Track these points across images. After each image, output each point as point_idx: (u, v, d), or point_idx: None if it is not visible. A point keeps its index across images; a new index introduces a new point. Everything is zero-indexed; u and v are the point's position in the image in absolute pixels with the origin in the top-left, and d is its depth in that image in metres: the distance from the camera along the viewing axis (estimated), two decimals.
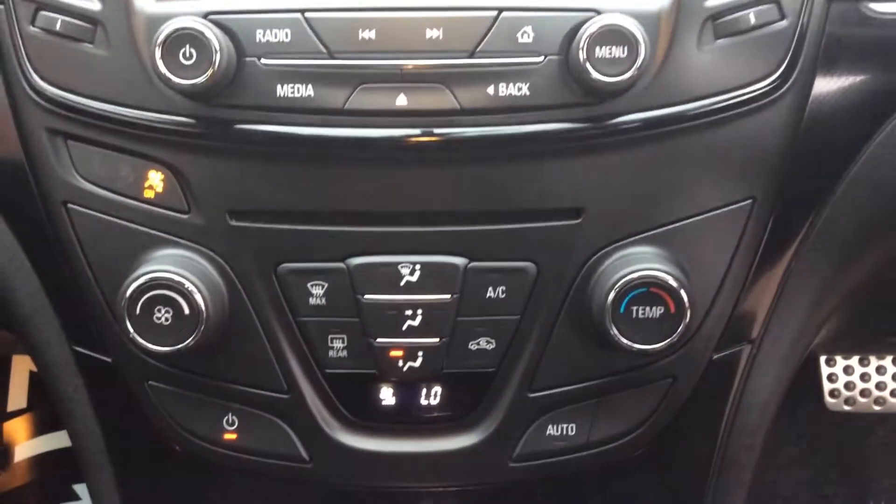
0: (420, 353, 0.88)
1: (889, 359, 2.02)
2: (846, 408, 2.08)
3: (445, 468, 0.92)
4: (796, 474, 2.17)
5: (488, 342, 0.88)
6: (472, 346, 0.88)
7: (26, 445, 1.95)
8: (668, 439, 0.93)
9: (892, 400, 2.09)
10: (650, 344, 0.84)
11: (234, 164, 0.85)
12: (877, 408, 2.06)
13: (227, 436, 0.91)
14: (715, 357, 0.92)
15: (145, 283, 0.83)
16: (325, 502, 1.01)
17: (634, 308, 0.84)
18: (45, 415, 1.98)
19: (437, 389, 0.90)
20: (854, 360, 2.02)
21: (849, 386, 2.04)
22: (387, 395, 0.91)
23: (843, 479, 2.15)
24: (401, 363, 0.88)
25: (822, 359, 2.00)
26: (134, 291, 0.83)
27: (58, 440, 1.95)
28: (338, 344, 0.88)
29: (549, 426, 0.91)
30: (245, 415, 0.91)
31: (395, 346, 0.88)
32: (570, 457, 0.91)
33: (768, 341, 0.94)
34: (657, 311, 0.84)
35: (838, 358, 2.00)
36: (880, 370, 2.03)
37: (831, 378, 2.03)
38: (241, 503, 1.01)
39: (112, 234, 0.87)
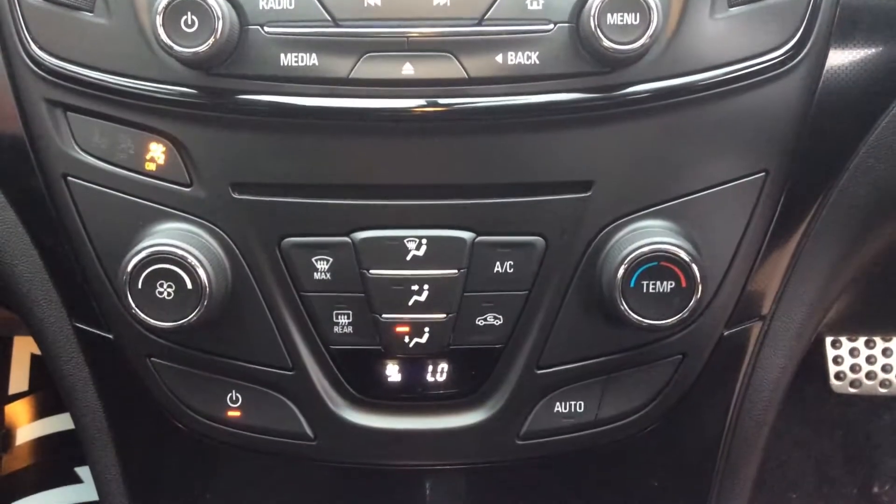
0: (426, 329, 0.86)
1: (895, 341, 2.01)
2: (852, 390, 2.07)
3: (452, 446, 0.91)
4: (802, 457, 2.16)
5: (496, 318, 0.86)
6: (480, 321, 0.86)
7: (28, 428, 1.94)
8: (677, 417, 0.92)
9: None
10: (661, 319, 0.82)
11: (237, 136, 0.83)
12: (882, 390, 2.05)
13: (231, 413, 0.90)
14: (726, 333, 0.91)
15: (147, 256, 0.82)
16: (329, 480, 0.99)
17: (645, 283, 0.82)
18: (46, 397, 1.97)
19: (444, 366, 0.89)
20: (860, 343, 2.01)
21: (854, 368, 2.03)
22: (392, 372, 0.89)
23: (848, 461, 2.15)
24: (407, 339, 0.87)
25: (828, 341, 1.99)
26: (135, 266, 0.82)
27: (59, 423, 1.94)
28: (343, 320, 0.86)
29: (557, 403, 0.89)
30: (249, 391, 0.89)
31: (401, 322, 0.86)
32: (579, 434, 0.90)
33: (780, 318, 0.92)
34: (668, 286, 0.82)
35: (844, 340, 1.99)
36: (886, 352, 2.01)
37: (837, 360, 2.02)
38: (245, 482, 1.00)
39: (113, 207, 0.86)
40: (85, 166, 0.86)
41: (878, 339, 1.98)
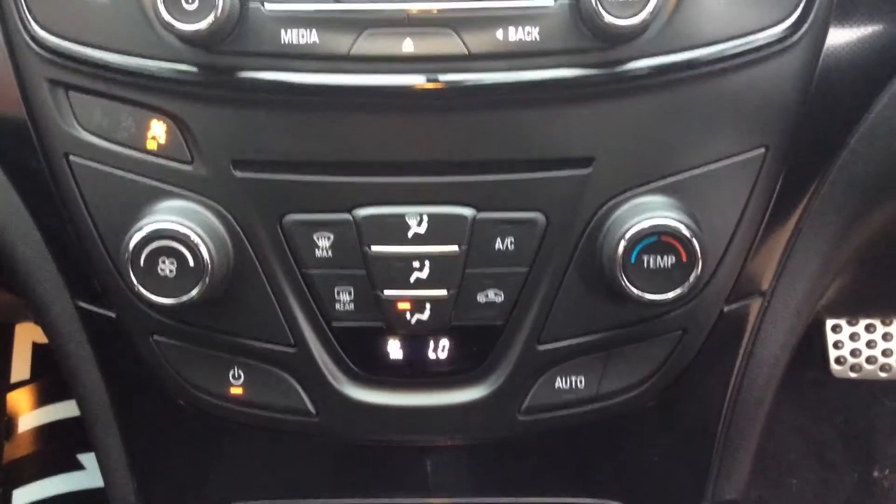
0: (428, 306, 0.87)
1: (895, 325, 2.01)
2: (852, 375, 2.07)
3: (453, 422, 0.91)
4: (802, 442, 2.17)
5: (496, 294, 0.87)
6: (481, 298, 0.87)
7: (30, 416, 1.95)
8: (678, 392, 0.92)
9: None
10: (661, 293, 0.82)
11: (238, 114, 0.84)
12: (883, 375, 2.05)
13: (234, 390, 0.90)
14: (726, 309, 0.91)
15: (149, 234, 0.82)
16: (332, 458, 1.00)
17: (645, 258, 0.82)
18: (48, 386, 1.98)
19: (445, 342, 0.89)
20: (860, 328, 2.01)
21: (855, 353, 2.03)
22: (394, 349, 0.89)
23: (848, 446, 2.15)
24: (408, 316, 0.87)
25: (829, 326, 1.99)
26: (137, 243, 0.82)
27: (62, 411, 1.95)
28: (344, 297, 0.87)
29: (558, 379, 0.89)
30: (251, 368, 0.89)
31: (402, 299, 0.87)
32: (579, 410, 0.90)
33: (780, 294, 0.93)
34: (669, 261, 0.82)
35: (844, 325, 1.99)
36: (886, 337, 2.02)
37: (837, 345, 2.02)
38: (248, 460, 1.00)
39: (114, 185, 0.86)
40: (86, 145, 0.86)
41: (878, 324, 1.99)
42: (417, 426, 0.92)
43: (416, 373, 0.90)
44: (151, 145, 0.85)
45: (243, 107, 0.83)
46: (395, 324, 0.87)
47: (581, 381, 0.90)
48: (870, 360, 2.03)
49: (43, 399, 1.95)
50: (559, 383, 0.90)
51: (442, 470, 1.00)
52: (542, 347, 0.88)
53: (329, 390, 0.89)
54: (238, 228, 0.85)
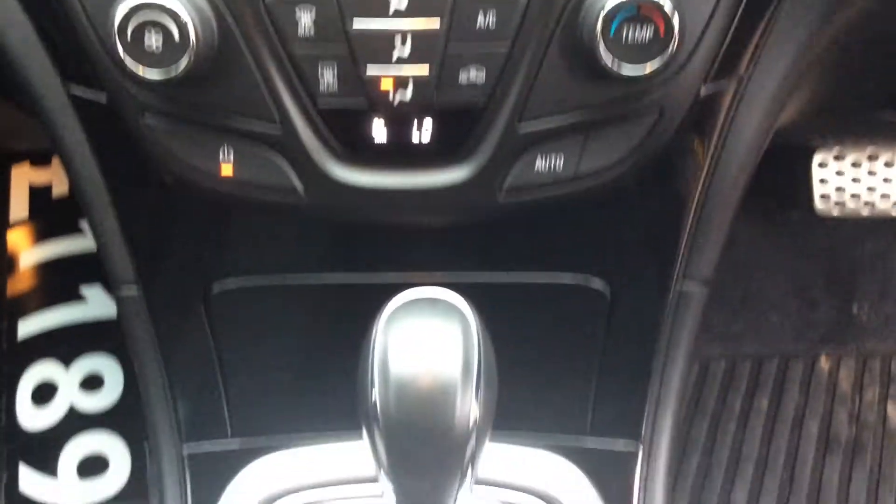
0: (410, 83, 0.88)
1: (882, 161, 2.03)
2: (835, 213, 2.10)
3: (436, 202, 0.93)
4: (784, 280, 2.22)
5: (479, 71, 0.88)
6: (463, 76, 0.88)
7: (31, 252, 2.00)
8: (654, 173, 0.95)
9: (881, 206, 2.11)
10: (639, 65, 0.84)
11: None
12: (866, 213, 2.08)
13: (224, 169, 0.92)
14: (702, 92, 0.93)
15: (134, 5, 0.83)
16: (317, 237, 1.04)
17: (625, 31, 0.84)
18: (47, 224, 2.02)
19: (428, 123, 0.91)
20: (846, 164, 2.03)
21: (839, 189, 2.06)
22: (378, 129, 0.91)
23: (830, 284, 2.20)
24: (391, 94, 0.88)
25: (815, 162, 2.01)
26: (123, 15, 0.83)
27: (63, 247, 1.99)
28: (328, 75, 0.88)
29: (539, 159, 0.91)
30: (240, 147, 0.91)
31: (385, 76, 0.88)
32: (559, 190, 0.93)
33: (755, 78, 0.94)
34: (647, 33, 0.83)
35: (831, 161, 2.01)
36: (872, 174, 2.04)
37: (822, 181, 2.04)
38: (236, 240, 1.04)
39: None
40: None
41: (864, 160, 2.00)
42: (401, 206, 0.95)
43: (399, 153, 0.92)
44: None
45: None
46: (378, 103, 0.89)
47: (560, 162, 0.92)
48: (854, 196, 2.05)
49: (43, 236, 1.99)
50: (539, 163, 0.92)
51: (424, 248, 1.04)
52: (522, 128, 0.90)
53: (314, 168, 0.91)
54: (221, 3, 0.86)
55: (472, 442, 0.73)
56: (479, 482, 0.78)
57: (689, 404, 2.07)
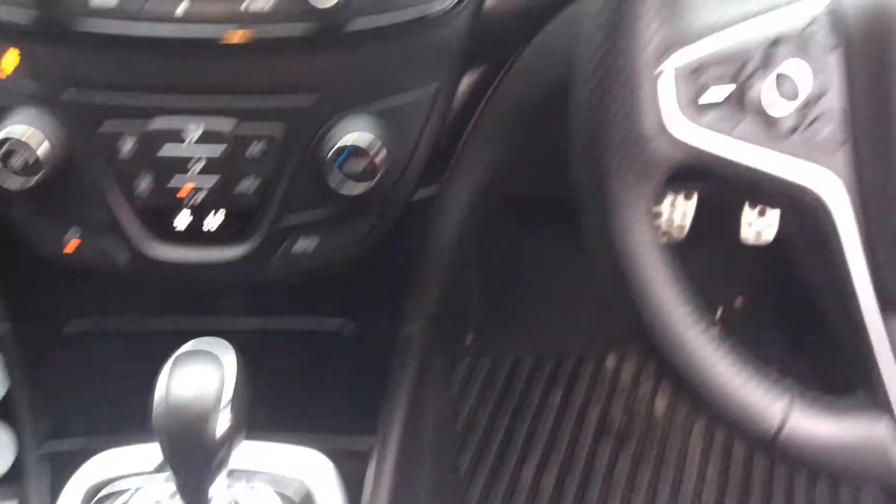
0: (203, 189, 1.25)
1: None
2: None
3: (222, 273, 1.31)
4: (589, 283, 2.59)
5: (252, 182, 1.26)
6: (241, 185, 1.25)
7: None
8: (381, 251, 1.35)
9: None
10: (355, 184, 1.23)
11: (67, 52, 1.19)
12: None
13: (68, 246, 1.29)
14: (414, 198, 1.33)
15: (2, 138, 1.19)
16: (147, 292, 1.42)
17: (347, 163, 1.23)
18: None
19: (219, 215, 1.28)
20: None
21: None
22: (180, 219, 1.27)
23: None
24: (188, 198, 1.26)
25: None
26: None
27: None
28: (143, 184, 1.25)
29: (297, 243, 1.30)
30: (82, 231, 1.28)
31: (183, 186, 1.25)
32: (312, 264, 1.32)
33: (454, 183, 1.35)
34: (361, 165, 1.22)
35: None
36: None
37: None
38: (82, 290, 1.42)
39: None
40: None
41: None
42: (199, 275, 1.33)
43: (196, 237, 1.29)
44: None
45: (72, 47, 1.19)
46: (179, 202, 1.27)
47: (313, 245, 1.30)
48: None
49: None
50: (297, 246, 1.30)
51: (220, 301, 1.44)
52: (284, 221, 1.28)
53: (134, 249, 1.29)
54: (67, 134, 1.22)
55: (224, 447, 1.10)
56: (231, 473, 1.17)
57: (496, 399, 2.48)
